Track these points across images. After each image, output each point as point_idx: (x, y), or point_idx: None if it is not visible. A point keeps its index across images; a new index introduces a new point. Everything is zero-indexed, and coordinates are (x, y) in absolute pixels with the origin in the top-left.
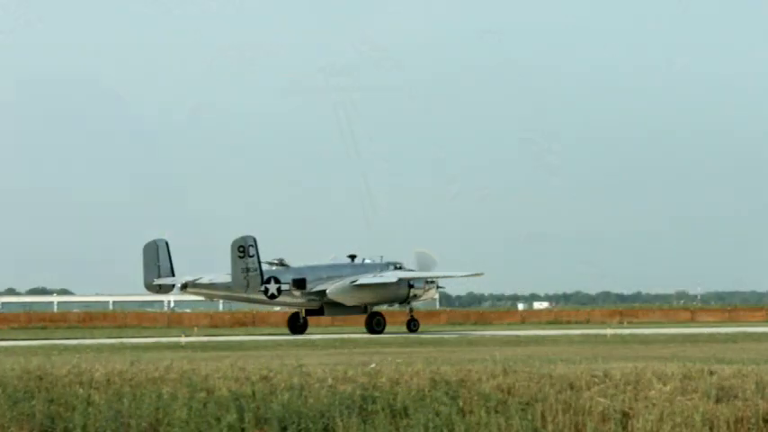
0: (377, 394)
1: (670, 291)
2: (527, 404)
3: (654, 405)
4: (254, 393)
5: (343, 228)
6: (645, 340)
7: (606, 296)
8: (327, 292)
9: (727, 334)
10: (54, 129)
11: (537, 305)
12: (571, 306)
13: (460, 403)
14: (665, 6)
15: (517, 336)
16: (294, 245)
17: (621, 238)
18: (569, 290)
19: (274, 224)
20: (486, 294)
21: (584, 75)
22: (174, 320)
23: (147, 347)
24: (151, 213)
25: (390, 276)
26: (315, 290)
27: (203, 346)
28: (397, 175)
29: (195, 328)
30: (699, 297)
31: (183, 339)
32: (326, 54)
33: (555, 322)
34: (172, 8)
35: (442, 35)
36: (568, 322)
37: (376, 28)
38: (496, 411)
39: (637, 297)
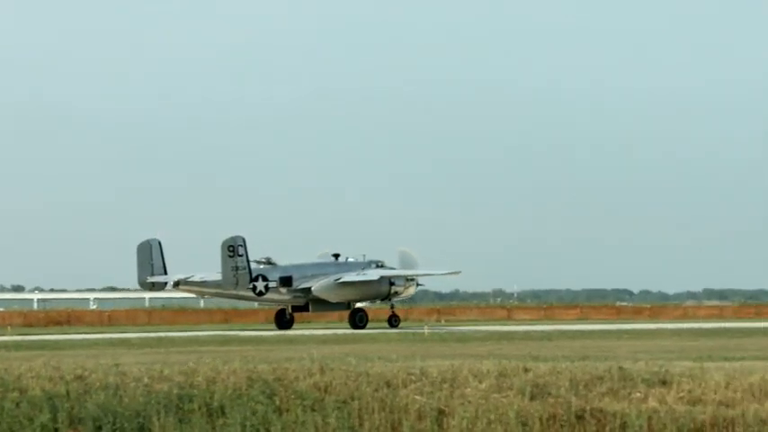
0: (194, 393)
1: (487, 289)
2: (344, 402)
3: (469, 402)
4: (68, 393)
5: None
6: (462, 338)
7: (424, 294)
8: (313, 289)
9: (542, 332)
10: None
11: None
12: None
13: (277, 402)
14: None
15: (336, 334)
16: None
17: (441, 236)
18: None
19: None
20: None
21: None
22: None
23: None
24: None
25: (373, 274)
26: (300, 287)
27: (16, 345)
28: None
29: (9, 328)
30: (515, 295)
31: None
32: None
33: (373, 320)
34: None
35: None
36: None
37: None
38: (313, 410)
39: (454, 295)
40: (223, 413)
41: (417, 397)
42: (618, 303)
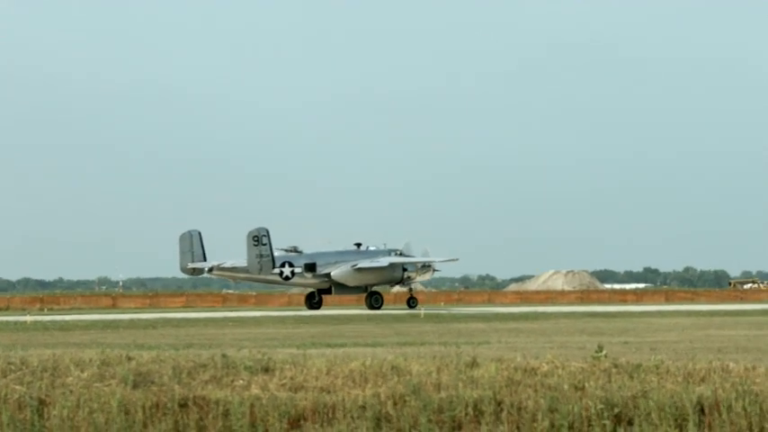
0: None
1: (92, 277)
2: None
3: (71, 392)
4: None
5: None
6: (65, 327)
7: (26, 282)
8: (332, 274)
9: (147, 320)
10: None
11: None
12: None
13: None
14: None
15: None
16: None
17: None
18: None
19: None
20: None
21: None
22: None
23: None
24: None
25: (383, 261)
26: (323, 273)
27: None
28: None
29: None
30: (121, 283)
31: None
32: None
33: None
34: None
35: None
36: None
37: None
38: None
39: (58, 283)
40: None
41: (17, 387)
42: (224, 291)
